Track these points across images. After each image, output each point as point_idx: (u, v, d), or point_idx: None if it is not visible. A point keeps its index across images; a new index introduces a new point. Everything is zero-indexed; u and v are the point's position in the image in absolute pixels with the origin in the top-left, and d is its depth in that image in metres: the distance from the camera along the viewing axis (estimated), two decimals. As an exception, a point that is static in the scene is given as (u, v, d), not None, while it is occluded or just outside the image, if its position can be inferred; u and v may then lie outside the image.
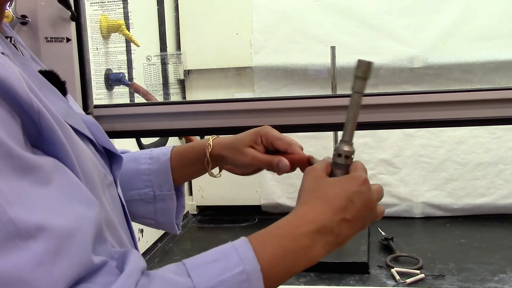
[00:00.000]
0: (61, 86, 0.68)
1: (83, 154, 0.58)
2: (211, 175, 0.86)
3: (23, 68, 0.59)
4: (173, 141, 1.96)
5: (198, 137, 1.85)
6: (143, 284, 0.48)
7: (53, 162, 0.50)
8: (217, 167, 0.86)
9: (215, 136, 0.84)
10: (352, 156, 0.68)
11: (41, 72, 0.66)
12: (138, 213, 0.88)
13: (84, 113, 0.83)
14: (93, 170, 0.61)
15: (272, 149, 0.77)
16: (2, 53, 0.55)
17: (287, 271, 0.58)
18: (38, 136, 0.50)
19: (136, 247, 0.72)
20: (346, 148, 0.67)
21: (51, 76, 0.67)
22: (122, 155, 0.83)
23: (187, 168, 0.86)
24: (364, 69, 0.66)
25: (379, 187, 0.64)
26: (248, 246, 0.55)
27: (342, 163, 0.67)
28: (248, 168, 0.81)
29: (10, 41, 0.67)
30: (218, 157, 0.82)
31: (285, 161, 0.74)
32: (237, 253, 0.54)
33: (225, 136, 0.84)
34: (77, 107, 0.78)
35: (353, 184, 0.62)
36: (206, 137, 0.85)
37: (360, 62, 0.66)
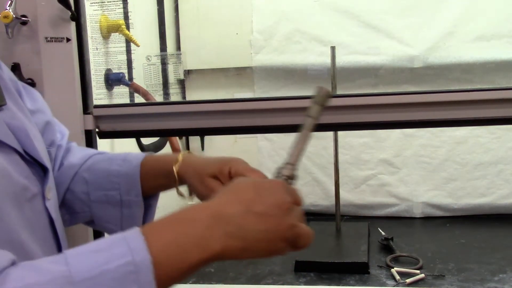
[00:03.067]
0: None
1: None
2: (180, 194, 0.84)
3: None
4: (173, 141, 1.96)
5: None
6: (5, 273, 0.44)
7: None
8: (186, 188, 0.82)
9: (187, 152, 0.81)
10: (293, 180, 0.65)
11: None
12: (104, 217, 0.84)
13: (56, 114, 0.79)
14: None
15: None
16: None
17: (181, 261, 0.50)
18: None
19: None
20: (286, 172, 0.65)
21: None
22: (94, 155, 0.84)
23: (153, 180, 0.82)
24: (323, 97, 0.66)
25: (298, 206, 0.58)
26: (139, 235, 0.50)
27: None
28: (205, 198, 0.70)
29: None
30: (183, 179, 0.79)
31: None
32: (126, 243, 0.49)
33: (196, 157, 0.80)
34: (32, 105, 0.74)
35: (266, 182, 0.60)
36: (180, 153, 0.80)
37: (320, 89, 0.66)
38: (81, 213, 0.84)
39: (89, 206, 0.84)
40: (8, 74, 0.76)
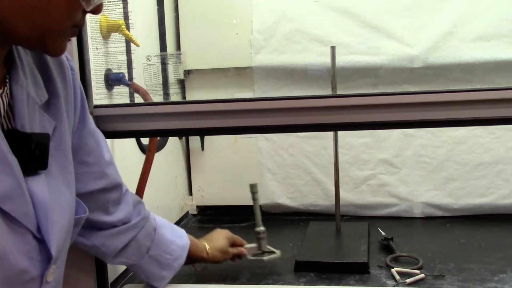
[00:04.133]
0: (33, 155, 0.66)
1: None
2: (196, 268, 1.36)
3: None
4: (173, 141, 1.96)
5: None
6: None
7: None
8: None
9: (205, 246, 1.31)
10: (263, 233, 1.42)
11: (12, 133, 0.64)
12: (143, 267, 1.11)
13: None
14: None
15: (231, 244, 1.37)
16: None
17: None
18: None
19: None
20: (261, 228, 1.42)
21: (30, 140, 0.66)
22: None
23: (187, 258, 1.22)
24: (255, 187, 1.45)
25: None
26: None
27: (260, 237, 1.42)
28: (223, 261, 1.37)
29: (3, 91, 0.65)
30: (212, 258, 1.33)
31: (245, 251, 1.39)
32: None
33: (214, 243, 1.33)
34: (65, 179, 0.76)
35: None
36: (195, 243, 1.27)
37: (251, 185, 1.45)
38: (124, 257, 1.09)
39: (141, 257, 1.10)
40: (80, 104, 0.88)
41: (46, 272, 0.68)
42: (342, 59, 1.83)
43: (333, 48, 1.60)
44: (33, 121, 0.69)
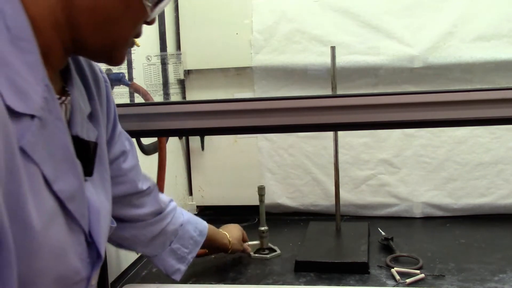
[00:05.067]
0: (89, 162, 0.69)
1: (38, 251, 0.55)
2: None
3: (48, 136, 0.58)
4: (173, 141, 1.96)
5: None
6: None
7: None
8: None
9: (226, 235, 1.43)
10: (266, 232, 1.55)
11: (74, 139, 0.66)
12: (159, 257, 1.17)
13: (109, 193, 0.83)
14: (46, 268, 0.57)
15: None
16: (33, 116, 0.56)
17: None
18: None
19: None
20: (265, 228, 1.55)
21: (84, 147, 0.69)
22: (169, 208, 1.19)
23: (206, 246, 1.32)
24: (263, 190, 1.55)
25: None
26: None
27: (263, 236, 1.55)
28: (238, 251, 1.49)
29: (60, 99, 0.66)
30: (232, 248, 1.44)
31: (249, 249, 1.53)
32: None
33: (232, 234, 1.45)
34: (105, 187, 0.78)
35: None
36: (219, 231, 1.42)
37: (259, 187, 1.55)
38: (151, 248, 1.16)
39: (164, 249, 1.17)
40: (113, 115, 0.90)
41: (92, 274, 0.69)
42: (342, 59, 1.83)
43: (333, 48, 1.60)
44: (82, 130, 0.70)
